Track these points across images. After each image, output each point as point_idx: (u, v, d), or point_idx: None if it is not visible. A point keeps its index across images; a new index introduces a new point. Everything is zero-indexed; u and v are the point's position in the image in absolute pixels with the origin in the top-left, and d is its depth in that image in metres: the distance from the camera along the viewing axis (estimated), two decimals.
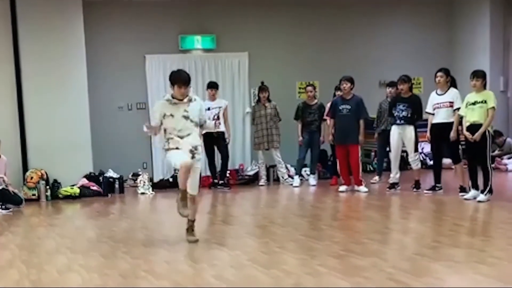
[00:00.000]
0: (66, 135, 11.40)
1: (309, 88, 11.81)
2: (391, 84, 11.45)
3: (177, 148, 6.52)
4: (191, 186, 6.65)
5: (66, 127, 11.40)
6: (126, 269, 5.86)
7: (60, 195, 11.01)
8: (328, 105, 11.32)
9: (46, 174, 11.14)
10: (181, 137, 6.54)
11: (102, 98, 12.30)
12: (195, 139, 6.67)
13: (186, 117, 6.58)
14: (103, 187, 11.32)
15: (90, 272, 5.79)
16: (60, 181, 11.23)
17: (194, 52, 13.07)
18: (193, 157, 6.54)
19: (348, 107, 10.49)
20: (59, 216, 9.76)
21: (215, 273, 5.44)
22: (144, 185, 11.51)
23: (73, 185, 11.17)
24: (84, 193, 11.06)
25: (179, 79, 6.59)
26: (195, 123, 6.64)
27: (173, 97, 6.62)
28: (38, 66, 11.29)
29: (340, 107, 10.54)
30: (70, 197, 10.92)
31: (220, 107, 11.61)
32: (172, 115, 6.58)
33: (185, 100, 6.62)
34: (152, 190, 11.50)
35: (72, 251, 6.73)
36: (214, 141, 11.61)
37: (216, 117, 11.50)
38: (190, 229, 6.89)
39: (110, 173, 11.77)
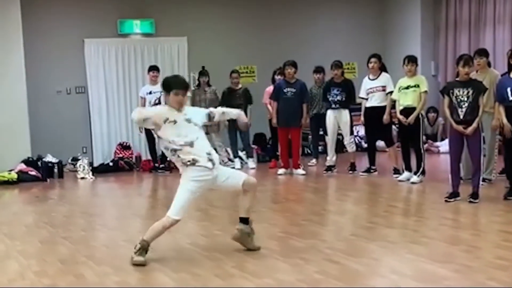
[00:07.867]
0: (2, 119, 11.20)
1: (234, 75, 11.89)
2: (318, 70, 11.59)
3: (193, 161, 5.30)
4: (241, 177, 5.59)
5: (2, 111, 11.21)
6: (66, 254, 5.84)
7: None
8: (269, 88, 11.42)
9: None
10: (191, 145, 5.32)
11: (40, 82, 12.13)
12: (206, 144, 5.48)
13: (189, 120, 5.43)
14: (42, 172, 11.16)
15: (28, 258, 5.74)
16: None
17: (132, 37, 13.00)
18: (213, 165, 5.38)
19: (293, 90, 10.60)
20: None
21: (156, 257, 5.46)
22: (83, 169, 11.38)
23: (10, 170, 10.98)
24: (22, 179, 10.86)
25: (177, 83, 5.67)
26: (199, 127, 5.46)
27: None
28: None
29: (285, 90, 10.64)
30: (8, 183, 10.69)
31: (161, 91, 11.54)
32: (174, 121, 5.38)
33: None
34: (92, 175, 11.38)
35: (9, 237, 6.65)
36: None
37: (157, 101, 11.52)
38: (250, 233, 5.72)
39: (49, 158, 11.60)
